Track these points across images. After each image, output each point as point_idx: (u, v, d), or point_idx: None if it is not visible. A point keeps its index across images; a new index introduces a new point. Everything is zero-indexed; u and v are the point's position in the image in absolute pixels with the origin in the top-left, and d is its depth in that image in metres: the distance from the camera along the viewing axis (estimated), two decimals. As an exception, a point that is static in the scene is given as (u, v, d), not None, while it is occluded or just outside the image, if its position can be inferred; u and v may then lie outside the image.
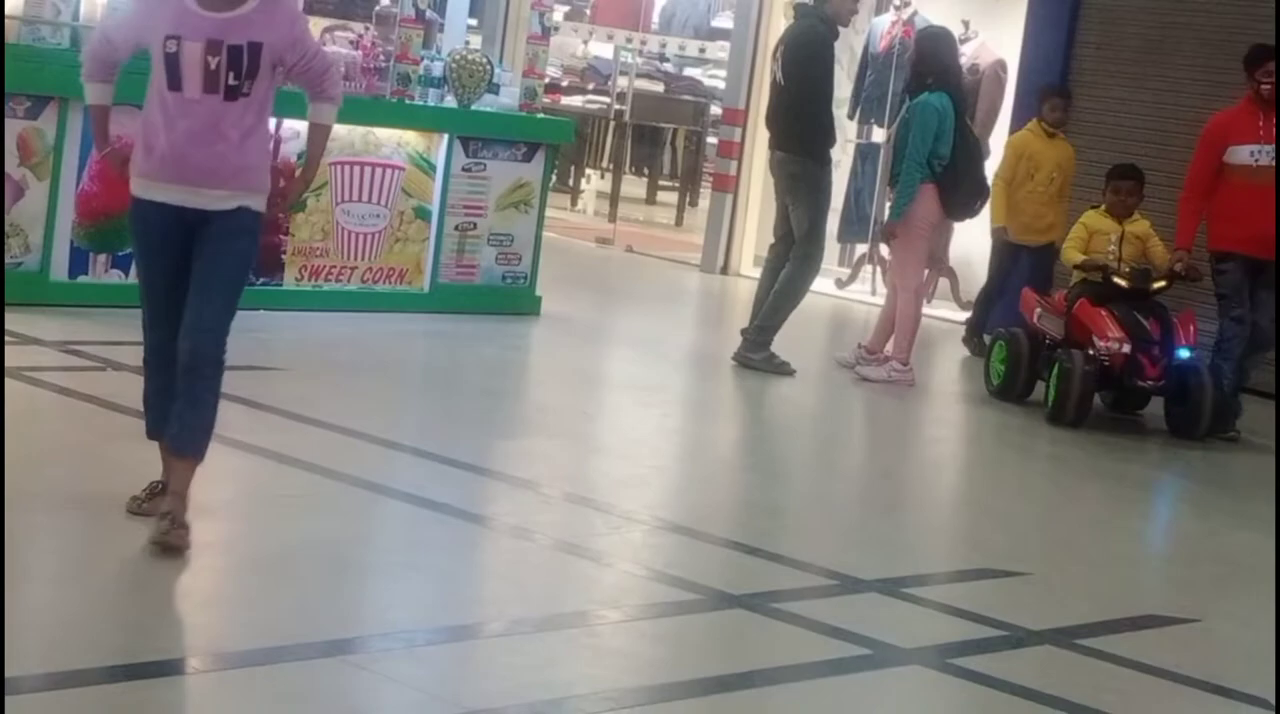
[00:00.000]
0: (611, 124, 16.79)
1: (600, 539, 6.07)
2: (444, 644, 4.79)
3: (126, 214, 5.44)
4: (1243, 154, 8.98)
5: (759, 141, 12.96)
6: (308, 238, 9.51)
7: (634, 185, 18.07)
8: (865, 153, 13.28)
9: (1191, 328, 9.09)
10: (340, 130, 9.52)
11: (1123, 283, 9.00)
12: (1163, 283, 9.08)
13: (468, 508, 6.14)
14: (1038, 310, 9.49)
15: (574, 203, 17.22)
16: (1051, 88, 11.06)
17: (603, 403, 8.99)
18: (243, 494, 5.97)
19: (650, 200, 18.34)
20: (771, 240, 10.00)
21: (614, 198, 16.43)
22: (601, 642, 4.98)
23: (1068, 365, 8.85)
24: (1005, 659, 5.14)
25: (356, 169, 9.65)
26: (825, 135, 9.70)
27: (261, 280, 9.33)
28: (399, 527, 5.96)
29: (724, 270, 13.66)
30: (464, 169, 10.04)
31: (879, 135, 13.13)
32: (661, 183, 18.09)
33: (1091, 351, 8.87)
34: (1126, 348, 8.82)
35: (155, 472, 5.36)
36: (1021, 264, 10.86)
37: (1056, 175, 10.69)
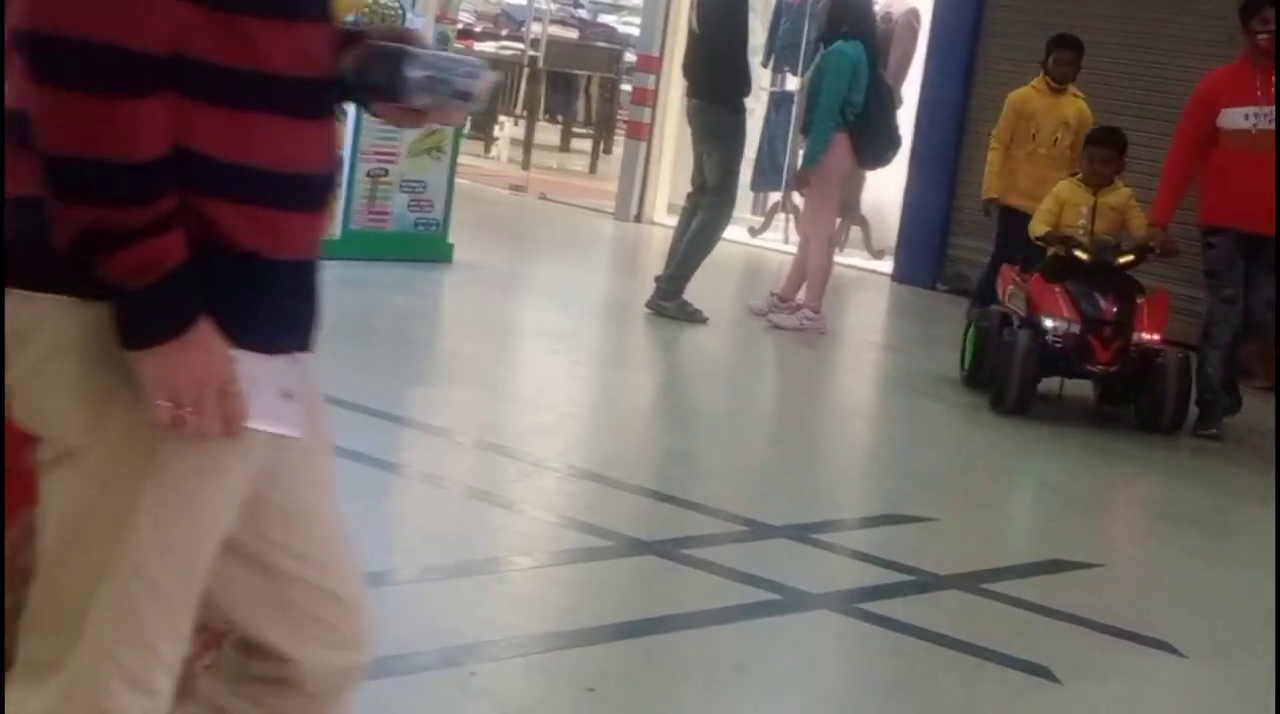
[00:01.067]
0: (525, 71, 16.72)
1: (512, 486, 6.07)
2: (354, 591, 4.77)
3: None
4: (1237, 118, 7.98)
5: (674, 89, 12.96)
6: (217, 183, 9.40)
7: (548, 132, 18.01)
8: (779, 101, 13.30)
9: (1159, 309, 8.15)
10: (250, 75, 9.43)
11: (1082, 256, 8.11)
12: (1129, 257, 8.15)
13: (379, 455, 6.12)
14: (1010, 287, 8.64)
15: (488, 149, 17.14)
16: (1058, 39, 9.82)
17: (515, 350, 8.98)
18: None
19: (564, 147, 18.30)
20: (688, 189, 10.01)
21: (528, 145, 16.38)
22: (513, 588, 4.99)
23: (1010, 343, 8.01)
24: (912, 604, 5.19)
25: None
26: (741, 84, 9.70)
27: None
28: (309, 474, 5.92)
29: (638, 218, 13.66)
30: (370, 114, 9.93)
31: (793, 84, 13.15)
32: (576, 130, 18.05)
33: (1040, 331, 8.03)
34: (1075, 328, 7.96)
35: None
36: (1025, 234, 9.27)
37: (1062, 135, 9.53)
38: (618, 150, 16.03)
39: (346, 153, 9.86)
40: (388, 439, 6.45)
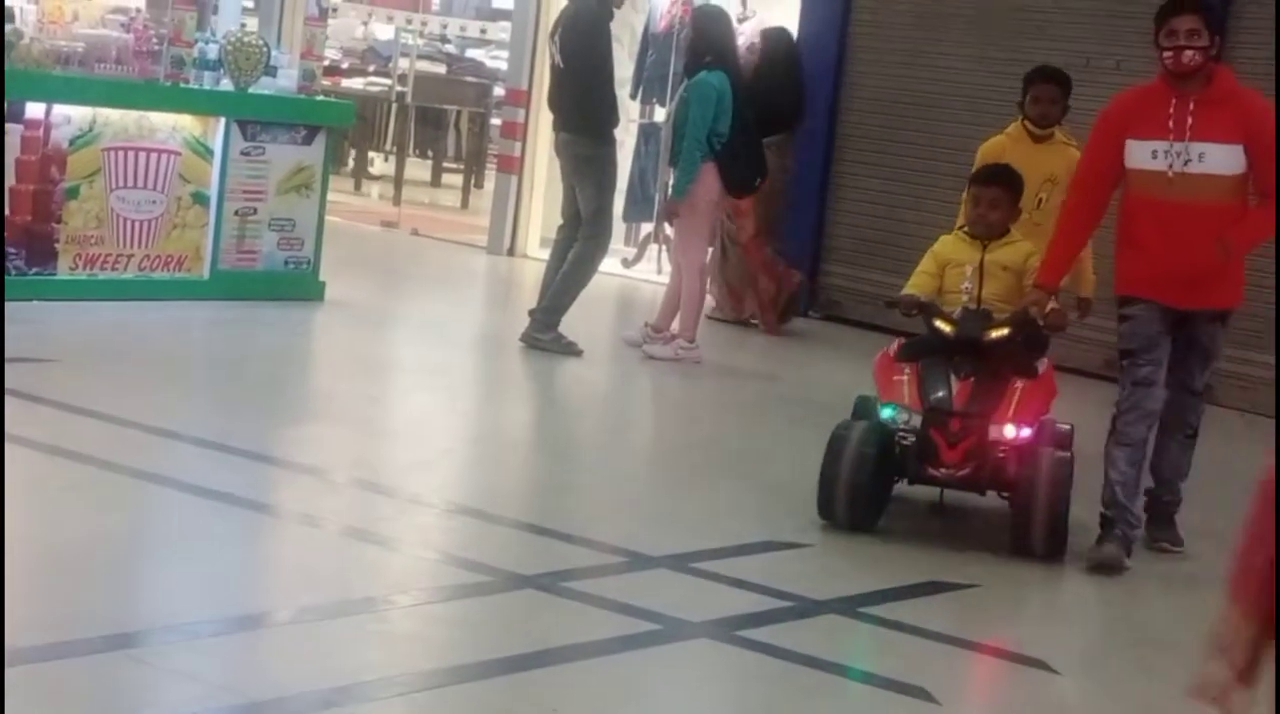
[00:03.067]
0: (394, 106, 16.66)
1: (388, 523, 6.02)
2: (229, 635, 4.72)
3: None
4: (1143, 155, 6.21)
5: (543, 122, 12.96)
6: (81, 226, 9.27)
7: (418, 168, 17.95)
8: (648, 132, 13.35)
9: (1038, 394, 6.48)
10: (114, 115, 9.32)
11: (944, 328, 6.49)
12: (1002, 331, 6.41)
13: (251, 496, 6.05)
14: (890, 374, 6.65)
15: (358, 187, 17.05)
16: (1037, 72, 7.86)
17: (389, 387, 8.92)
18: (16, 488, 5.80)
19: (435, 183, 18.24)
20: (559, 222, 10.01)
21: (398, 181, 16.31)
22: (391, 627, 4.95)
23: (840, 438, 6.30)
24: (791, 629, 5.22)
25: (131, 154, 9.43)
26: (609, 116, 9.73)
27: (34, 270, 9.09)
28: (180, 517, 5.85)
29: (510, 252, 13.63)
30: (242, 153, 9.87)
31: (660, 115, 13.20)
32: (446, 165, 18.01)
33: (877, 425, 6.41)
34: (914, 421, 6.30)
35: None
36: None
37: (1048, 194, 7.43)
38: (489, 185, 16.00)
39: (213, 192, 9.76)
40: (259, 480, 6.38)
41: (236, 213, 9.89)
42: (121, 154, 9.40)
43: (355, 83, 17.28)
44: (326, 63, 13.93)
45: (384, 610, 5.05)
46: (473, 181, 17.58)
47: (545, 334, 9.57)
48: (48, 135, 9.08)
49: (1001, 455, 6.26)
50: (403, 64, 16.75)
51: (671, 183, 9.99)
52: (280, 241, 10.12)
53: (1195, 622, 4.09)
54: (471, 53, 19.64)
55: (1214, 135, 6.14)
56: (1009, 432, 6.28)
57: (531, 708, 4.35)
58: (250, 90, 9.92)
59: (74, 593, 4.83)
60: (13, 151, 8.89)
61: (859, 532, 6.32)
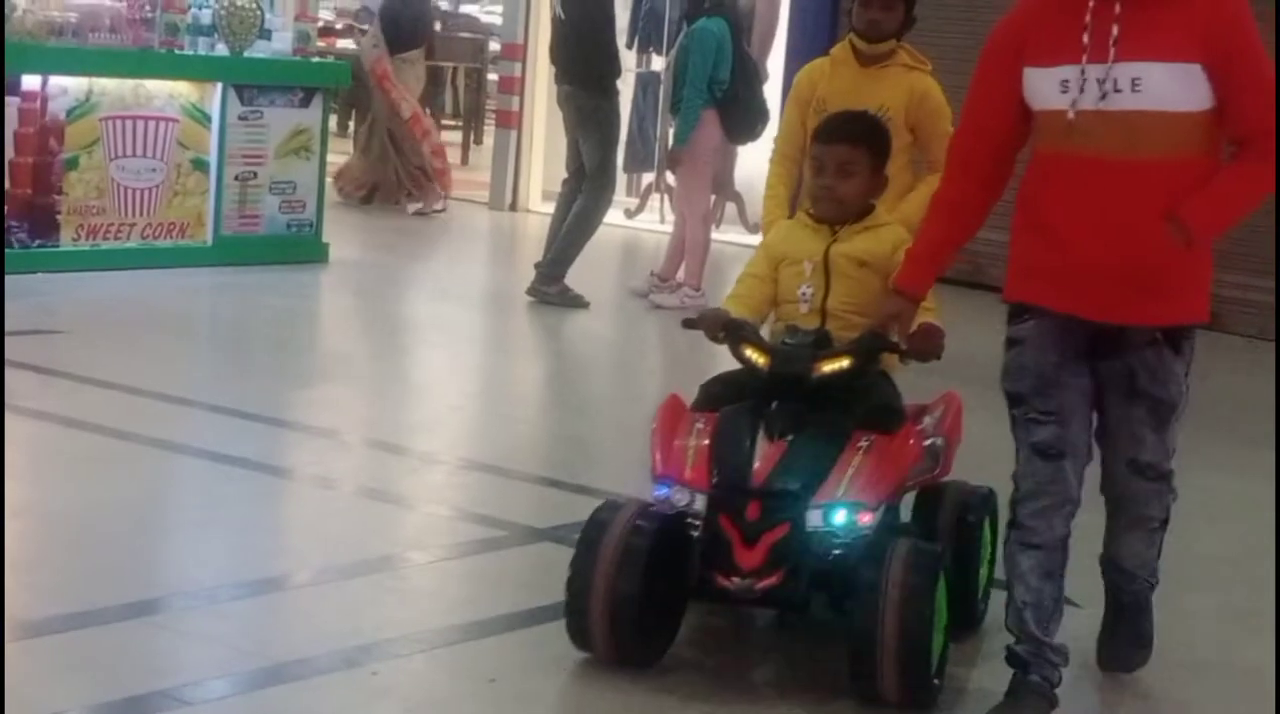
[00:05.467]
0: (390, 65, 16.57)
1: (402, 482, 6.04)
2: (249, 598, 4.74)
3: None
4: (1048, 88, 3.98)
5: (540, 76, 12.94)
6: (82, 196, 9.27)
7: (417, 126, 17.88)
8: (646, 81, 13.31)
9: (890, 457, 4.30)
10: (110, 84, 9.30)
11: (757, 360, 4.42)
12: (839, 364, 4.36)
13: (266, 460, 6.07)
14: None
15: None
16: None
17: (397, 346, 8.93)
18: (34, 460, 5.83)
19: (434, 140, 18.18)
20: (562, 175, 10.00)
21: (397, 139, 16.23)
22: (409, 584, 4.97)
23: (597, 521, 4.28)
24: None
25: (129, 124, 9.41)
26: (611, 67, 9.71)
27: (37, 242, 9.09)
28: (197, 483, 5.87)
29: (512, 207, 13.62)
30: (240, 118, 9.85)
31: (659, 63, 13.16)
32: (444, 122, 17.96)
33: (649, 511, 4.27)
34: (698, 503, 4.23)
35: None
36: None
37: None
38: (489, 140, 15.96)
39: (213, 157, 9.75)
40: (273, 444, 6.39)
41: (237, 178, 9.88)
42: (119, 123, 9.38)
43: (349, 44, 17.20)
44: (320, 24, 13.86)
45: (402, 568, 5.07)
46: (471, 138, 17.54)
47: (551, 287, 9.57)
48: (44, 107, 9.06)
49: (832, 555, 4.15)
50: (397, 22, 16.65)
51: (673, 131, 9.97)
52: (282, 205, 10.11)
53: None
54: (466, 8, 19.56)
55: (1151, 51, 3.85)
56: (838, 518, 4.12)
57: (552, 661, 4.36)
58: (245, 54, 9.90)
59: (95, 562, 4.85)
60: (11, 124, 8.88)
61: (629, 666, 4.23)
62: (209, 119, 9.74)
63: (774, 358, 4.38)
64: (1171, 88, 3.86)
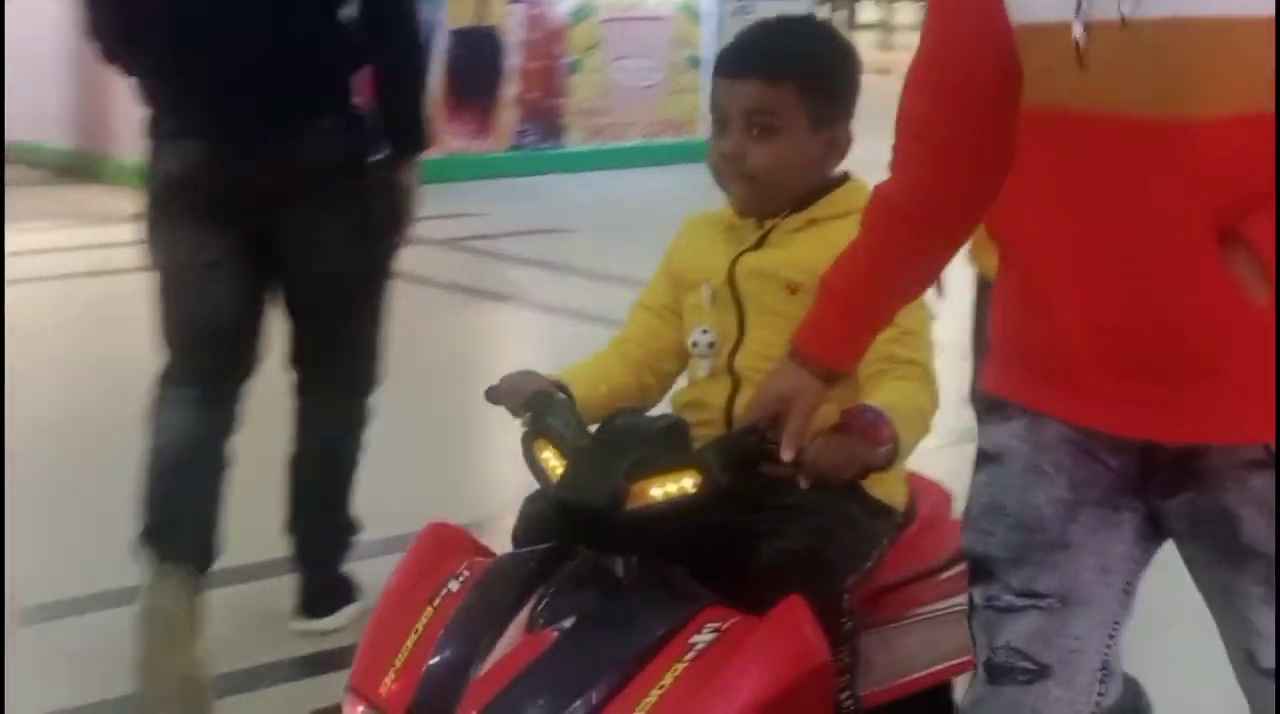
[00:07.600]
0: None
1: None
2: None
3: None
4: (1041, 12, 1.76)
5: None
6: (586, 98, 9.53)
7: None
8: None
9: (747, 660, 2.03)
10: (608, -14, 9.51)
11: (553, 471, 2.24)
12: (671, 488, 2.15)
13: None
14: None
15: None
16: None
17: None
18: (552, 356, 6.04)
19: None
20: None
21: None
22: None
23: None
24: None
25: (626, 25, 9.62)
26: None
27: (546, 144, 9.40)
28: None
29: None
30: (734, 13, 9.92)
31: None
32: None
33: None
34: None
35: None
36: None
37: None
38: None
39: (707, 54, 9.86)
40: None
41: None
42: (618, 25, 9.59)
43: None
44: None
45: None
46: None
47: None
48: (547, 13, 9.33)
49: None
50: None
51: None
52: (776, 97, 10.13)
53: None
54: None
55: None
56: None
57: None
58: (737, -51, 9.96)
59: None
60: (519, 31, 9.17)
61: None
62: (701, 17, 9.85)
63: (566, 472, 2.23)
64: None
